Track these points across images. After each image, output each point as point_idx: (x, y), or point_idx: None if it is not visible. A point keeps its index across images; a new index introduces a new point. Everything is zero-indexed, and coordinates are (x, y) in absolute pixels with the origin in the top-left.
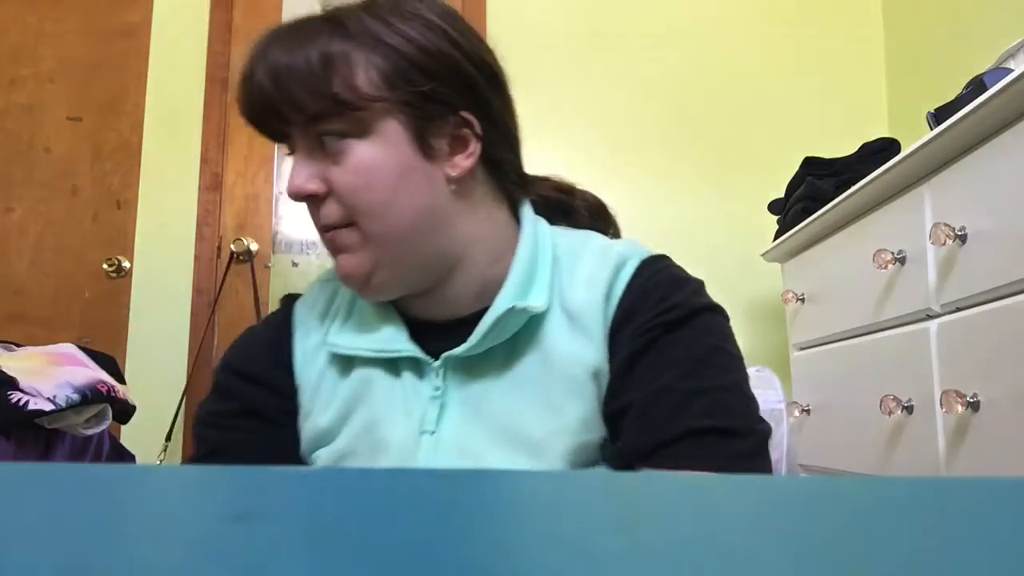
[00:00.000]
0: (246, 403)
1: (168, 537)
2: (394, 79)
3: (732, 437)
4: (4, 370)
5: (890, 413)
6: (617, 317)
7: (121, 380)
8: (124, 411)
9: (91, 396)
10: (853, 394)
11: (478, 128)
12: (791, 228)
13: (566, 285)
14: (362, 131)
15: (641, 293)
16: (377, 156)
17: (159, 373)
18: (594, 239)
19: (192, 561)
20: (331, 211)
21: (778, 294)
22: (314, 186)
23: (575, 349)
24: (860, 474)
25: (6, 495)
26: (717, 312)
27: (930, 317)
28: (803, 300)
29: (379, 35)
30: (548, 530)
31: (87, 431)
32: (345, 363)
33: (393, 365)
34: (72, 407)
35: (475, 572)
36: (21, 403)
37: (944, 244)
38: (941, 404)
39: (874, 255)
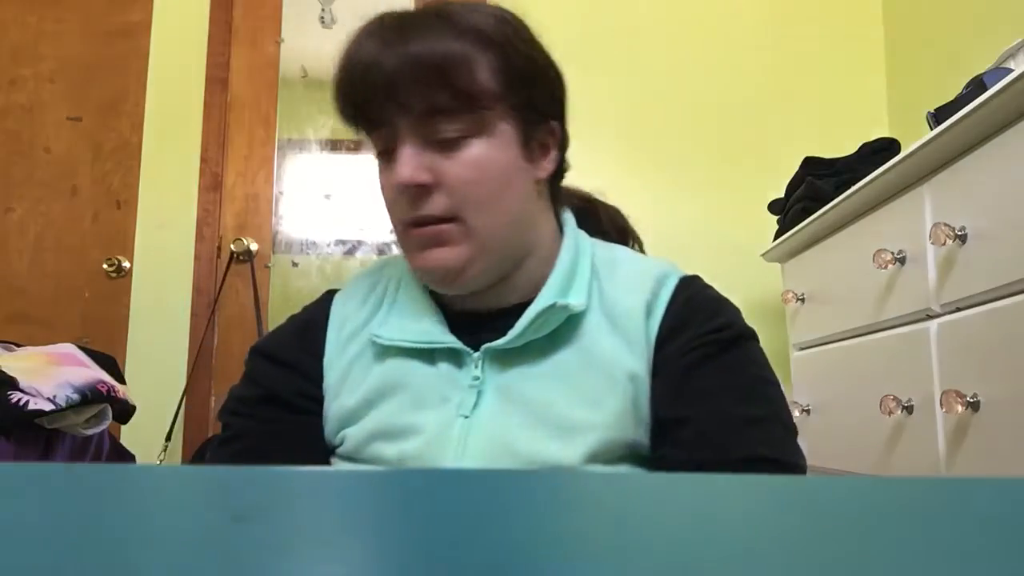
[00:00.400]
0: (268, 389)
1: (168, 537)
2: (508, 82)
3: (782, 468)
4: (4, 370)
5: (890, 413)
6: (663, 330)
7: (121, 380)
8: (124, 411)
9: (91, 396)
10: (853, 394)
11: (559, 135)
12: (791, 228)
13: (607, 290)
14: (480, 129)
15: (689, 309)
16: (491, 154)
17: (159, 373)
18: (628, 252)
19: (192, 561)
20: (437, 203)
21: (778, 294)
22: (425, 176)
23: (614, 350)
24: (860, 474)
25: (6, 495)
26: (757, 339)
27: (930, 317)
28: (803, 300)
29: (492, 38)
30: (547, 529)
31: (87, 431)
32: (380, 351)
33: (429, 355)
34: (72, 407)
35: (477, 571)
36: (21, 403)
37: (944, 244)
38: (941, 404)
39: (874, 255)
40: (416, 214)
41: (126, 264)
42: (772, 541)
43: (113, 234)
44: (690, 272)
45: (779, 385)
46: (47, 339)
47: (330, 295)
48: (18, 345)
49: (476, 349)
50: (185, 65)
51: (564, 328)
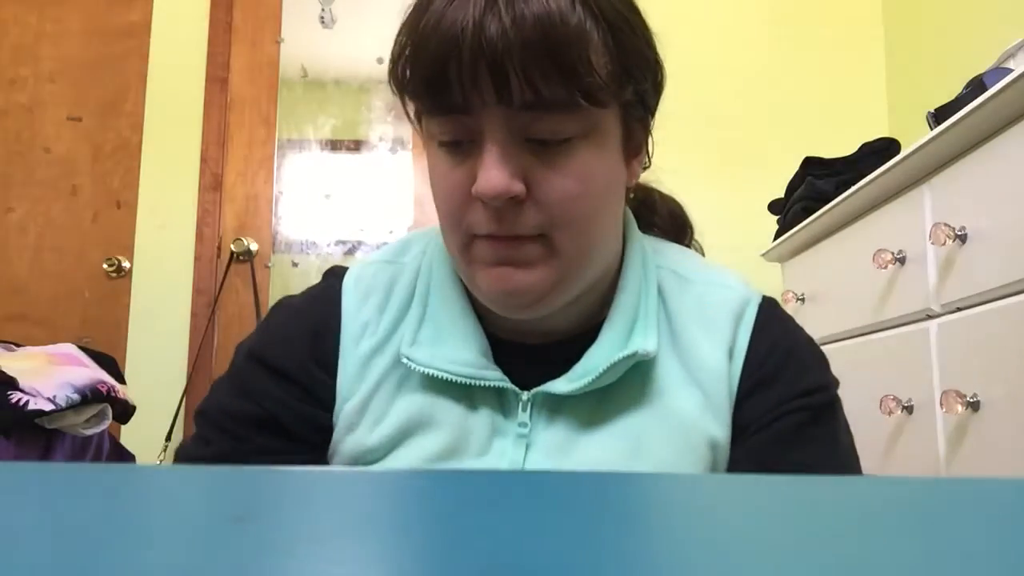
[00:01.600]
0: (267, 410)
1: (168, 537)
2: (624, 72)
3: None
4: (4, 370)
5: (890, 413)
6: (744, 381)
7: (121, 380)
8: (124, 411)
9: (91, 396)
10: (853, 394)
11: (651, 130)
12: (791, 228)
13: (679, 327)
14: (588, 131)
15: (776, 359)
16: (597, 161)
17: (159, 373)
18: (693, 264)
19: (192, 561)
20: (527, 220)
21: (778, 294)
22: (519, 188)
23: (693, 409)
24: (860, 474)
25: (6, 495)
26: (837, 391)
27: (930, 317)
28: (803, 300)
29: (606, 12)
30: (547, 531)
31: (87, 431)
32: (407, 374)
33: (468, 391)
34: (72, 407)
35: (477, 571)
36: (21, 403)
37: (944, 244)
38: (941, 404)
39: (874, 255)
40: (497, 231)
41: (126, 264)
42: (772, 541)
43: (113, 234)
44: None
45: (855, 445)
46: (47, 339)
47: (336, 286)
48: (18, 345)
49: (523, 387)
50: (185, 65)
51: (632, 376)
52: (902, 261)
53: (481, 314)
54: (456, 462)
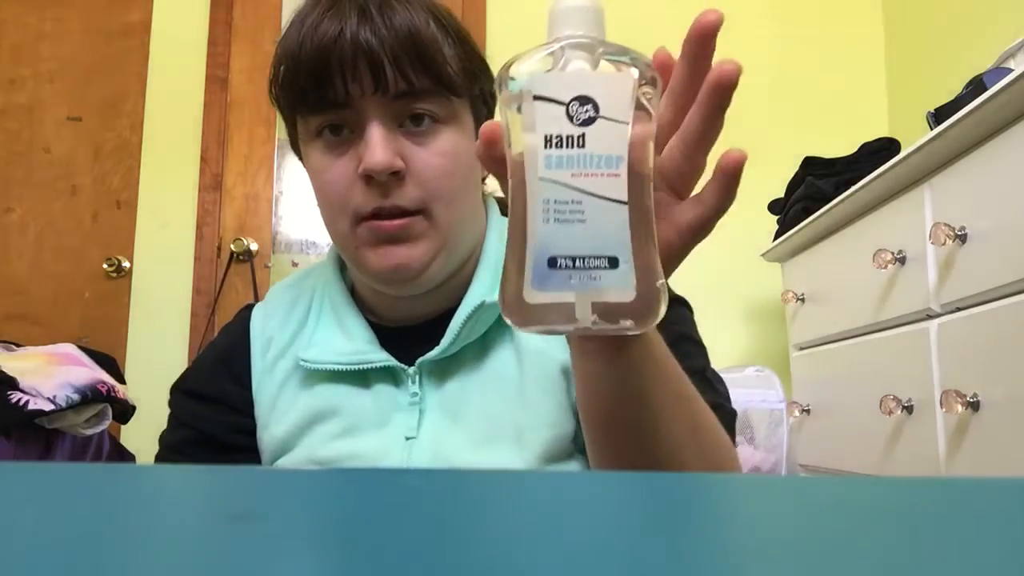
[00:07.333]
0: (198, 430)
1: (168, 537)
2: (469, 71)
3: (722, 409)
4: (4, 370)
5: (890, 413)
6: None
7: (121, 380)
8: (124, 411)
9: (91, 396)
10: (853, 394)
11: None
12: (791, 228)
13: None
14: (450, 117)
15: None
16: (459, 143)
17: (159, 373)
18: None
19: (192, 561)
20: (407, 193)
21: (778, 294)
22: (400, 163)
23: (543, 342)
24: (860, 474)
25: (6, 495)
26: (681, 303)
27: (930, 317)
28: (803, 300)
29: (451, 25)
30: (552, 531)
31: (87, 431)
32: (308, 374)
33: (361, 376)
34: (72, 407)
35: (474, 571)
36: (21, 403)
37: (944, 244)
38: (941, 404)
39: (874, 255)
40: (383, 204)
41: (126, 264)
42: (772, 541)
43: (113, 234)
44: (691, 272)
45: (704, 345)
46: (47, 339)
47: (247, 312)
48: (18, 345)
49: (411, 363)
50: (185, 65)
51: (496, 326)
52: (902, 261)
53: (366, 308)
54: (358, 437)
